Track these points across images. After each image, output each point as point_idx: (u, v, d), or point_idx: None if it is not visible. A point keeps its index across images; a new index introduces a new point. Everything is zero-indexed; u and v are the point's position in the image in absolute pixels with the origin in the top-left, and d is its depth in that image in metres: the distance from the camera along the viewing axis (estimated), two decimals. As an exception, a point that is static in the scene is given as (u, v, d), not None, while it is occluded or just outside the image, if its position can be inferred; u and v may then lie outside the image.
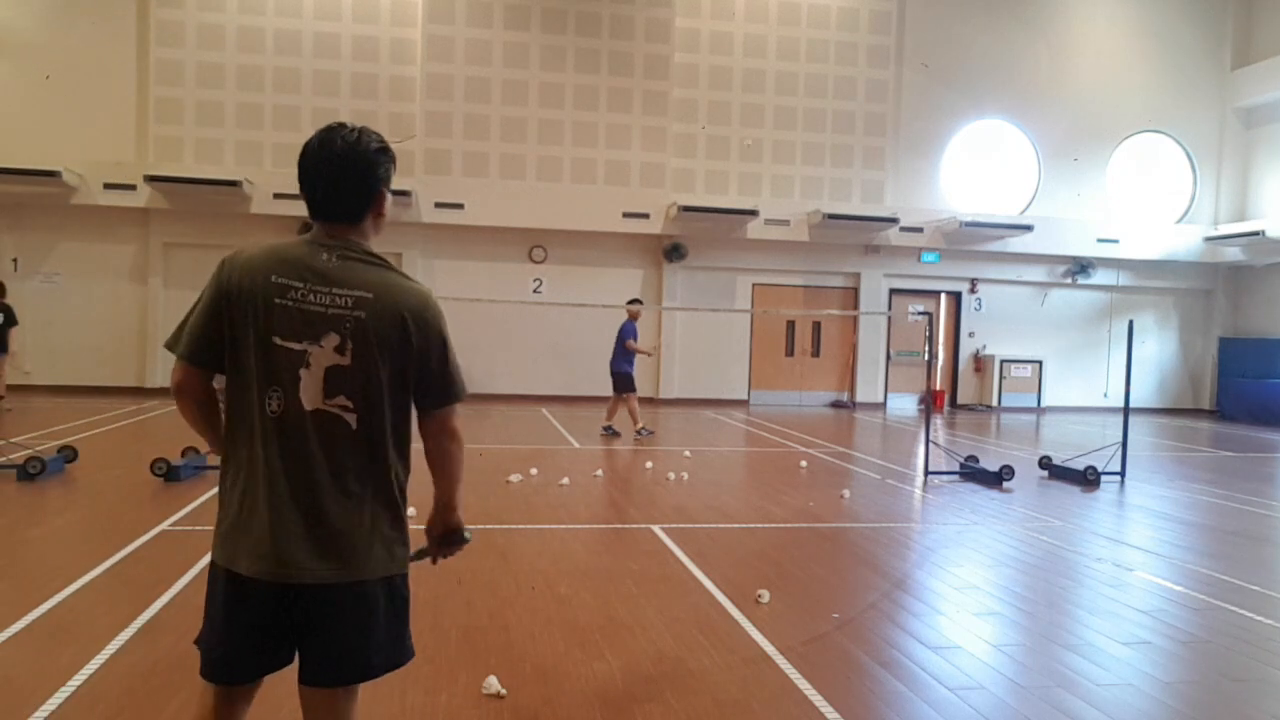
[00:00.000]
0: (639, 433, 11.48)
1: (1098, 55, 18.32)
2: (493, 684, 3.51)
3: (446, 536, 2.29)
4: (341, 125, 2.13)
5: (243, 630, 2.04)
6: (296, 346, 1.99)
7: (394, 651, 2.14)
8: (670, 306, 16.64)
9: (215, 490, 7.57)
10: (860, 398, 17.84)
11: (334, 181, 2.09)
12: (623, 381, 11.72)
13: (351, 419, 2.01)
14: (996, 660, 4.07)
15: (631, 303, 12.42)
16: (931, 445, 9.42)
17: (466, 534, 2.33)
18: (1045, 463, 9.79)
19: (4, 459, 7.69)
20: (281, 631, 2.05)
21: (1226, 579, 5.58)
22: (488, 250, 16.45)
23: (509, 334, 16.43)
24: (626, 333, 11.90)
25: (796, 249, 17.29)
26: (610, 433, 11.69)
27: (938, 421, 15.51)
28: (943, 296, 18.45)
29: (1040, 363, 18.42)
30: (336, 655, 2.05)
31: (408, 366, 2.08)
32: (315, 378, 1.99)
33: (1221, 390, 18.82)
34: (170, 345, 2.11)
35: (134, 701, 3.33)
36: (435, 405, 2.14)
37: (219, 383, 2.13)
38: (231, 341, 2.03)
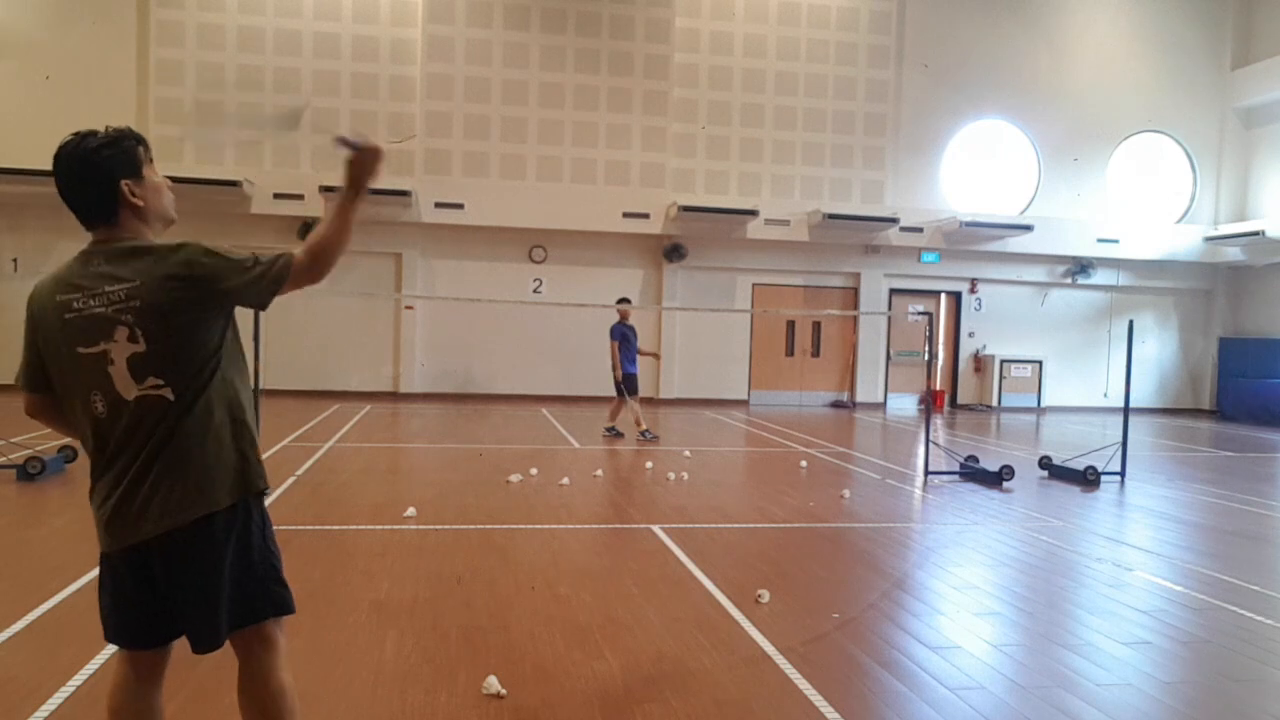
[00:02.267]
0: (642, 434, 11.45)
1: (1098, 55, 18.32)
2: (493, 684, 3.51)
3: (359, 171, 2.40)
4: (74, 134, 2.20)
5: (122, 604, 2.28)
6: (96, 350, 2.13)
7: (259, 596, 2.27)
8: (670, 306, 16.64)
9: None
10: (860, 398, 17.85)
11: (71, 190, 2.19)
12: (627, 383, 11.67)
13: (168, 393, 2.14)
14: (996, 660, 4.07)
15: (620, 302, 12.20)
16: (931, 445, 9.42)
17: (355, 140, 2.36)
18: (1045, 463, 9.79)
19: (4, 459, 7.69)
20: (150, 603, 2.23)
21: (1226, 579, 5.58)
22: (488, 250, 16.45)
23: (509, 334, 16.44)
24: (614, 334, 11.75)
25: (796, 249, 17.30)
26: (613, 433, 11.68)
27: (938, 421, 15.51)
28: (943, 296, 18.45)
29: (1040, 363, 18.42)
30: (191, 617, 2.22)
31: (201, 319, 2.17)
32: (121, 371, 2.13)
33: (1221, 390, 18.82)
34: (16, 379, 2.32)
35: (134, 701, 3.32)
36: (278, 289, 2.24)
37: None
38: (48, 364, 2.22)
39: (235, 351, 2.30)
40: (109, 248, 2.19)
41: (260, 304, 2.24)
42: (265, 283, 2.19)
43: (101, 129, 2.23)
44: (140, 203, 2.24)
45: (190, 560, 2.16)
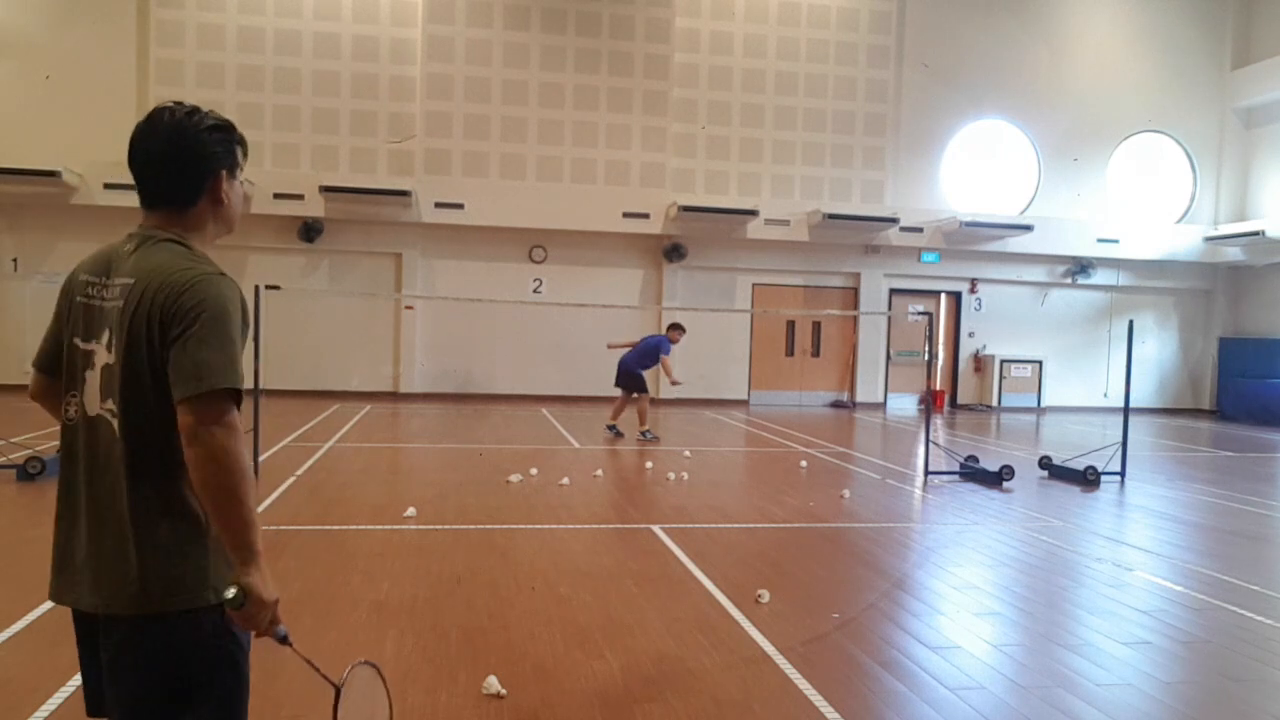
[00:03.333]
0: (643, 434, 11.45)
1: (1098, 55, 18.32)
2: (493, 684, 3.51)
3: (236, 602, 1.72)
4: (177, 104, 1.90)
5: (80, 659, 1.91)
6: (86, 347, 1.84)
7: (169, 709, 1.76)
8: (670, 306, 16.63)
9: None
10: (860, 398, 17.85)
11: (154, 164, 1.86)
12: (637, 381, 11.67)
13: (116, 424, 1.77)
14: (996, 660, 4.07)
15: (674, 328, 12.12)
16: (931, 445, 9.42)
17: (231, 594, 1.71)
18: (1045, 463, 9.79)
19: (4, 459, 7.68)
20: (92, 668, 1.85)
21: (1226, 579, 5.58)
22: (488, 250, 16.45)
23: (509, 334, 16.44)
24: (664, 349, 11.65)
25: (796, 249, 17.29)
26: (615, 433, 11.68)
27: (938, 421, 15.51)
28: (943, 296, 18.45)
29: (1040, 363, 18.42)
30: (114, 704, 1.80)
31: (159, 358, 1.75)
32: (95, 379, 1.81)
33: (1221, 390, 18.82)
34: (34, 358, 1.99)
35: (134, 701, 3.33)
36: (181, 394, 1.69)
37: None
38: (65, 346, 1.90)
39: None
40: (151, 234, 1.86)
41: (175, 380, 1.72)
42: (204, 374, 1.70)
43: (205, 109, 1.93)
44: (225, 201, 1.93)
45: (120, 653, 1.77)
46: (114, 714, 1.80)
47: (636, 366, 11.68)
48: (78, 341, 1.84)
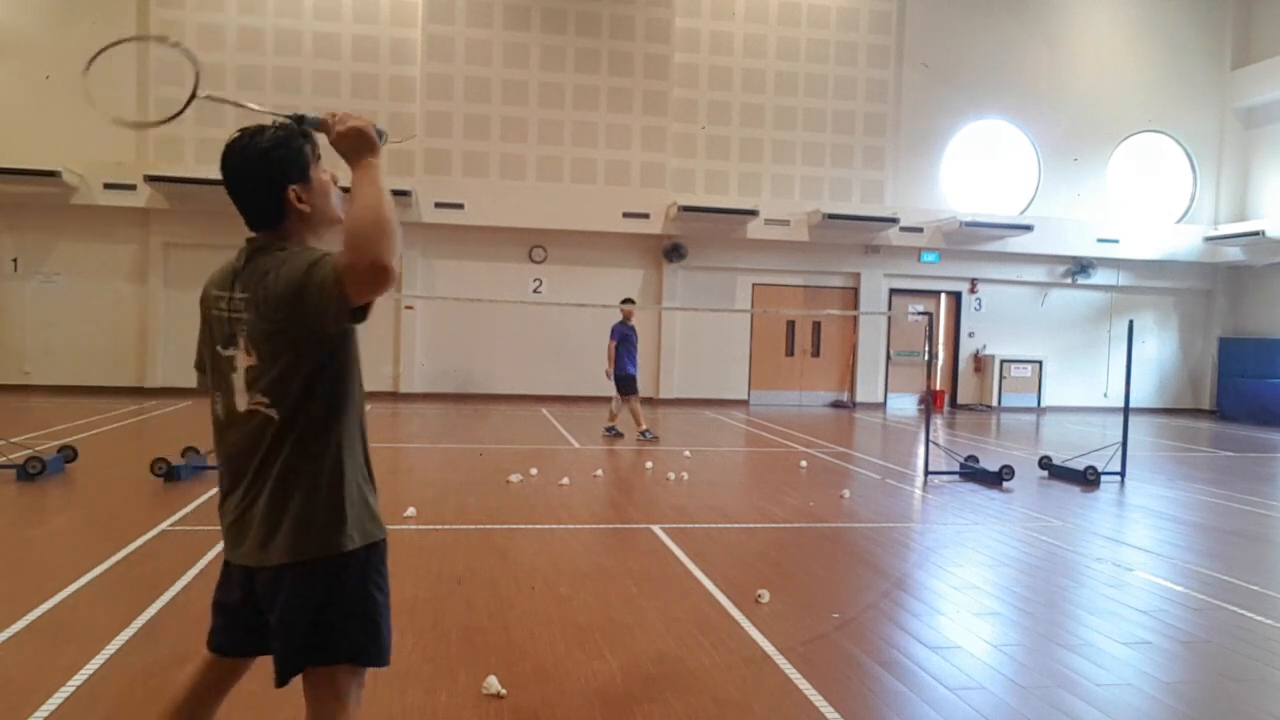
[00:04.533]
0: (642, 434, 11.44)
1: (1098, 55, 18.32)
2: (493, 684, 3.51)
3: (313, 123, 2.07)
4: (243, 131, 2.08)
5: (221, 609, 2.22)
6: (226, 353, 2.09)
7: (320, 646, 2.08)
8: (670, 306, 16.64)
9: (214, 491, 7.58)
10: (860, 398, 17.85)
11: (237, 193, 2.08)
12: (626, 384, 11.67)
13: (274, 414, 2.03)
14: (996, 660, 4.07)
15: (625, 302, 12.26)
16: (931, 445, 9.42)
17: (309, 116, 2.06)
18: (1045, 463, 9.79)
19: (4, 459, 7.68)
20: (246, 617, 2.16)
21: (1226, 579, 5.58)
22: (488, 250, 16.45)
23: (509, 334, 16.44)
24: (614, 333, 11.78)
25: (796, 249, 17.29)
26: (613, 434, 11.68)
27: (938, 421, 15.51)
28: (943, 296, 18.45)
29: (1040, 363, 18.42)
30: (274, 649, 2.10)
31: (301, 333, 1.98)
32: (240, 379, 2.06)
33: (1221, 390, 18.82)
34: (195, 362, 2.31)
35: (134, 701, 3.33)
36: (325, 276, 1.90)
37: None
38: (206, 354, 2.20)
39: (349, 388, 2.10)
40: (257, 248, 2.09)
41: (332, 322, 1.95)
42: (323, 294, 1.91)
43: (269, 123, 2.07)
44: (306, 209, 2.09)
45: (275, 598, 2.07)
46: (273, 654, 2.10)
47: (622, 366, 11.68)
48: (219, 349, 2.11)
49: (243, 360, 2.05)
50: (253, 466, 2.07)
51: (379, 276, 1.87)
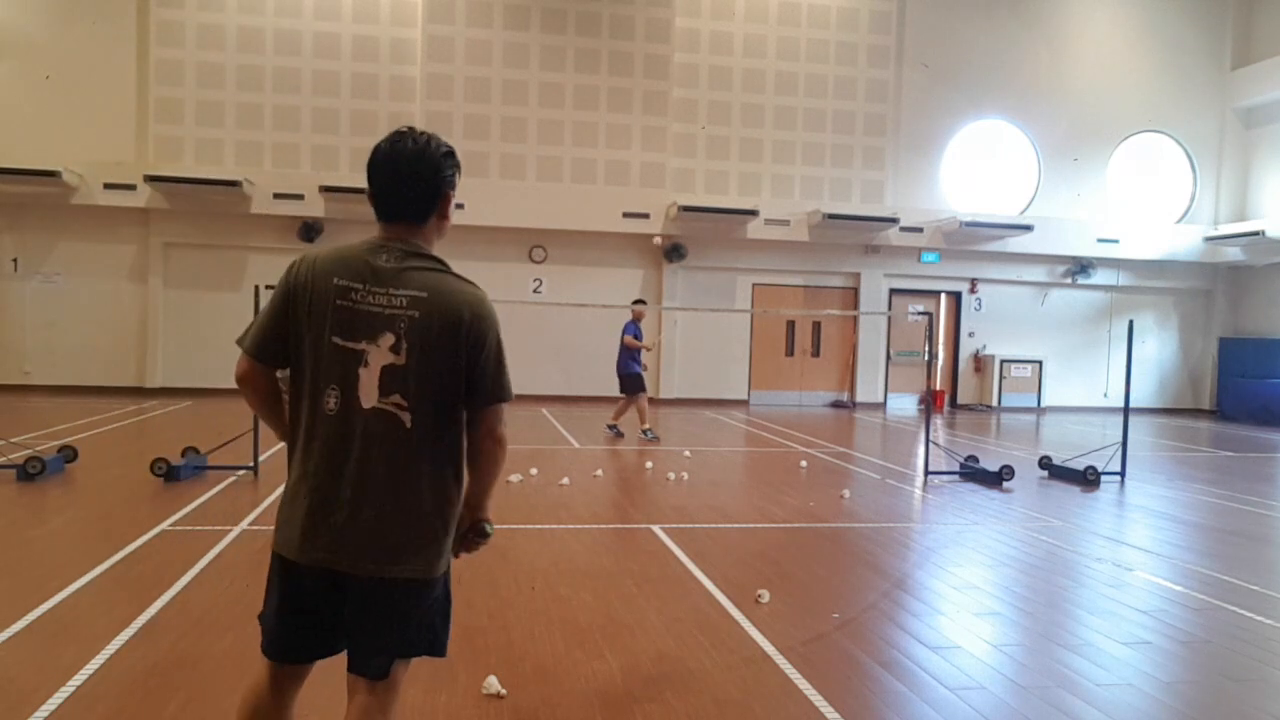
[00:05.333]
0: (644, 433, 11.45)
1: (1098, 55, 18.32)
2: (493, 684, 3.51)
3: (470, 530, 2.29)
4: (412, 129, 2.20)
5: (290, 612, 2.15)
6: (355, 346, 2.05)
7: (411, 642, 2.17)
8: (670, 306, 16.64)
9: (214, 491, 7.57)
10: (860, 398, 17.84)
11: (401, 183, 2.15)
12: (632, 382, 11.67)
13: (406, 418, 2.05)
14: (996, 660, 4.07)
15: (636, 303, 12.35)
16: (931, 445, 9.42)
17: (488, 528, 2.33)
18: (1045, 463, 9.79)
19: (4, 459, 7.68)
20: (326, 617, 2.13)
21: (1226, 579, 5.58)
22: (488, 250, 16.44)
23: (509, 334, 15.93)
24: (627, 330, 11.84)
25: (796, 249, 17.29)
26: (615, 433, 11.67)
27: (938, 421, 15.51)
28: (943, 296, 18.45)
29: (1040, 363, 18.42)
30: (366, 647, 2.13)
31: (459, 367, 2.10)
32: (372, 376, 2.04)
33: (1221, 390, 18.82)
34: (240, 340, 2.18)
35: (134, 701, 3.33)
36: (482, 404, 2.14)
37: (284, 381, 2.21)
38: (296, 340, 2.10)
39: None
40: (407, 247, 2.15)
41: (479, 390, 2.15)
42: (497, 378, 2.17)
43: (432, 134, 2.26)
44: (448, 218, 2.29)
45: (384, 606, 2.11)
46: (358, 652, 2.13)
47: (628, 366, 11.71)
48: (339, 341, 2.05)
49: (381, 358, 2.04)
50: (366, 468, 2.05)
51: (490, 442, 2.20)
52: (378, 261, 2.10)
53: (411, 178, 2.16)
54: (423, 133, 2.21)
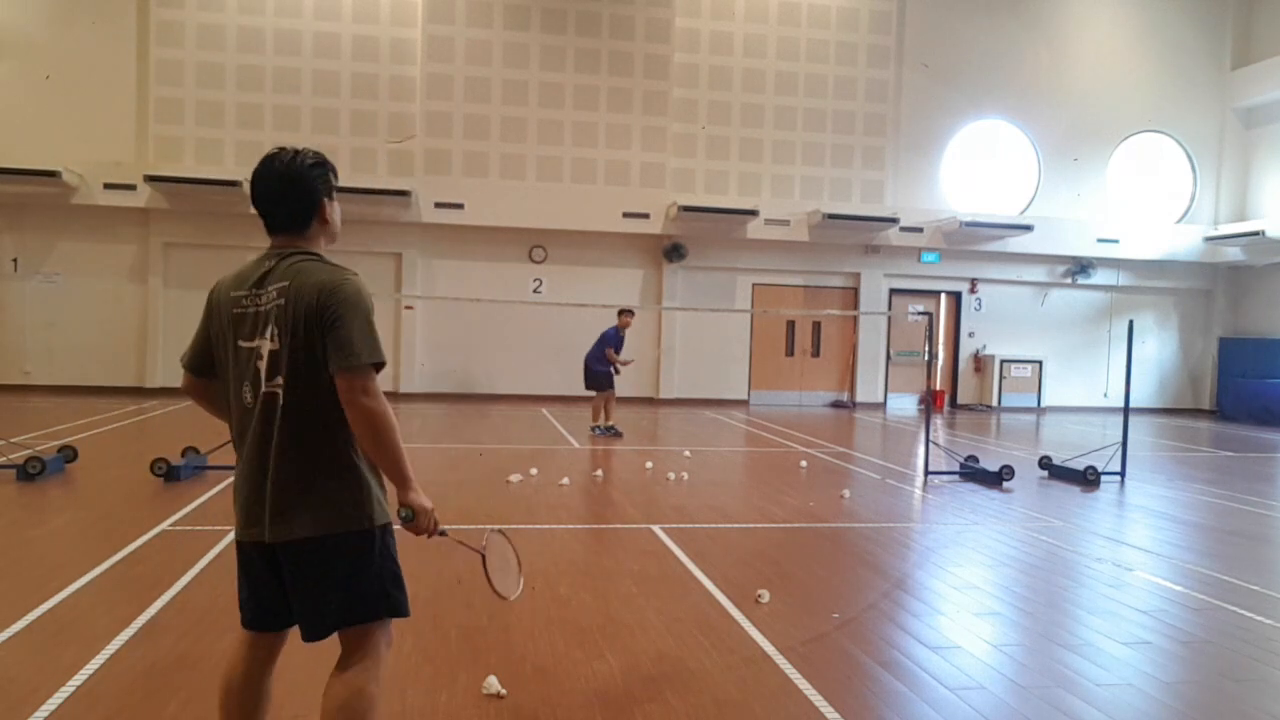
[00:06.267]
0: (604, 429, 11.58)
1: (1098, 55, 18.32)
2: (493, 684, 3.51)
3: (407, 518, 2.40)
4: (283, 149, 2.41)
5: (247, 585, 2.43)
6: (251, 344, 2.33)
7: (357, 607, 2.37)
8: (670, 306, 16.64)
9: (214, 491, 7.58)
10: (860, 398, 17.84)
11: (274, 200, 2.39)
12: (602, 379, 11.79)
13: (281, 394, 2.28)
14: (996, 660, 4.07)
15: (623, 312, 12.12)
16: (931, 445, 9.42)
17: (404, 513, 2.40)
18: (1045, 463, 9.79)
19: (4, 459, 7.68)
20: (272, 588, 2.39)
21: (1226, 579, 5.58)
22: (488, 250, 16.45)
23: (509, 334, 16.43)
24: (609, 339, 11.86)
25: (796, 249, 17.29)
26: (611, 433, 11.68)
27: (938, 421, 15.51)
28: (943, 296, 18.45)
29: (1040, 363, 18.42)
30: (301, 610, 2.36)
31: (316, 343, 2.27)
32: (264, 365, 2.30)
33: (1221, 390, 18.82)
34: (182, 358, 2.54)
35: (134, 701, 3.33)
36: (336, 368, 2.24)
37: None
38: (218, 351, 2.43)
39: None
40: (283, 253, 2.38)
41: (335, 357, 2.25)
42: (348, 340, 2.24)
43: (302, 149, 2.43)
44: (329, 221, 2.47)
45: (303, 569, 2.32)
46: (298, 617, 2.37)
47: (595, 363, 11.80)
48: (241, 343, 2.34)
49: (267, 347, 2.29)
50: (268, 447, 2.29)
51: (356, 410, 2.25)
52: (262, 269, 2.37)
53: (282, 195, 2.38)
54: (292, 150, 2.40)
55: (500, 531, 2.89)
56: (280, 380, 2.27)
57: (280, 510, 2.28)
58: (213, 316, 2.42)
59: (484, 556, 2.74)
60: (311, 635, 2.37)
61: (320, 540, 2.29)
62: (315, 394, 2.27)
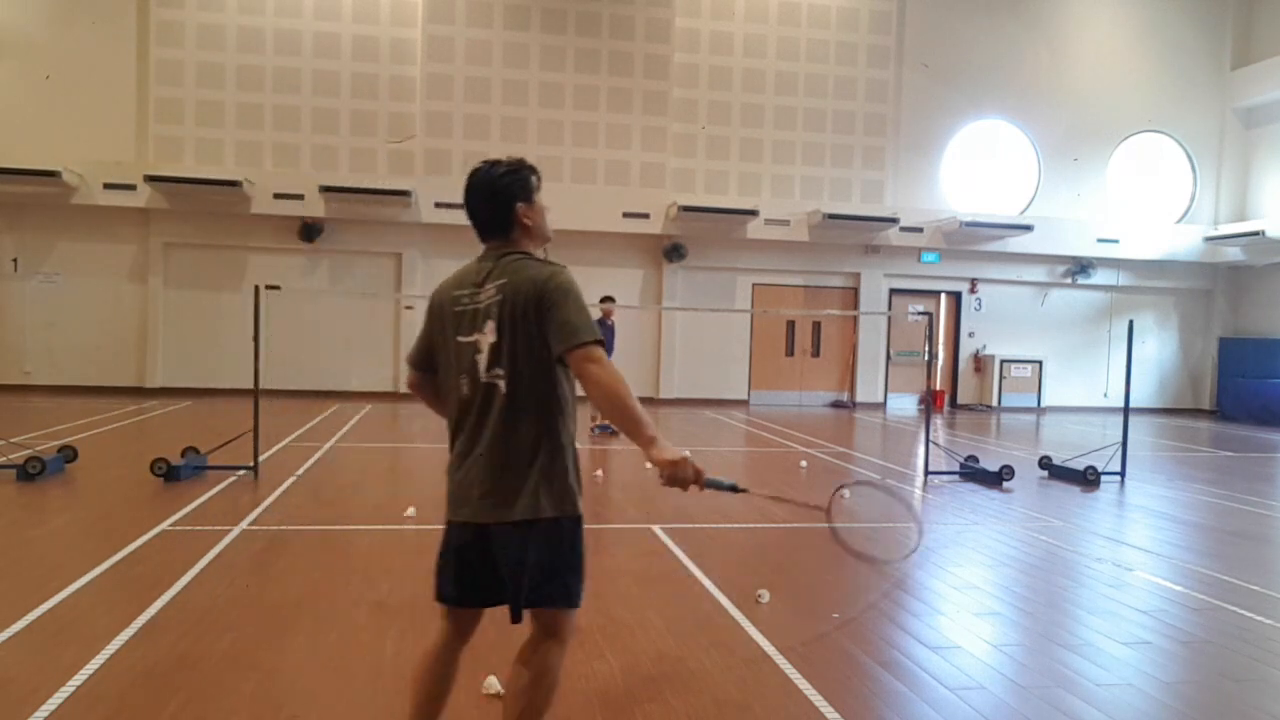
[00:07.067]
0: (603, 427, 11.51)
1: (1098, 55, 18.32)
2: (493, 684, 3.51)
3: (668, 476, 2.49)
4: (487, 162, 2.62)
5: (455, 564, 2.59)
6: (470, 339, 2.52)
7: (555, 590, 2.53)
8: (670, 306, 16.64)
9: (214, 491, 7.58)
10: (860, 398, 17.84)
11: (476, 211, 2.62)
12: None
13: (502, 384, 2.46)
14: (996, 660, 4.07)
15: (604, 300, 11.92)
16: (931, 445, 9.42)
17: (661, 473, 2.48)
18: (1045, 463, 9.79)
19: (4, 459, 7.68)
20: (478, 569, 2.56)
21: (1226, 579, 5.58)
22: (488, 250, 16.43)
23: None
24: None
25: (796, 249, 17.29)
26: (598, 432, 11.63)
27: (938, 421, 15.51)
28: (943, 296, 18.45)
29: (1040, 363, 18.42)
30: (514, 589, 2.52)
31: (537, 333, 2.44)
32: (484, 358, 2.49)
33: (1221, 390, 18.82)
34: (407, 356, 2.79)
35: (134, 701, 3.33)
36: (563, 349, 2.42)
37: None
38: (438, 348, 2.64)
39: (568, 383, 2.59)
40: (499, 253, 2.57)
41: (561, 339, 2.41)
42: (573, 324, 2.41)
43: (505, 158, 2.63)
44: (529, 223, 2.61)
45: (514, 549, 2.48)
46: (509, 596, 2.53)
47: None
48: (461, 338, 2.54)
49: (486, 341, 2.48)
50: (482, 435, 2.48)
51: (590, 379, 2.45)
52: (483, 271, 2.56)
53: (481, 206, 2.60)
54: (490, 162, 2.61)
55: (868, 483, 2.95)
56: (500, 371, 2.45)
57: (497, 492, 2.44)
58: (433, 316, 2.64)
59: (828, 515, 2.75)
60: (518, 615, 2.55)
61: (533, 523, 2.45)
62: (533, 384, 2.46)
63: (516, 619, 2.57)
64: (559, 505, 2.50)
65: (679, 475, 2.46)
